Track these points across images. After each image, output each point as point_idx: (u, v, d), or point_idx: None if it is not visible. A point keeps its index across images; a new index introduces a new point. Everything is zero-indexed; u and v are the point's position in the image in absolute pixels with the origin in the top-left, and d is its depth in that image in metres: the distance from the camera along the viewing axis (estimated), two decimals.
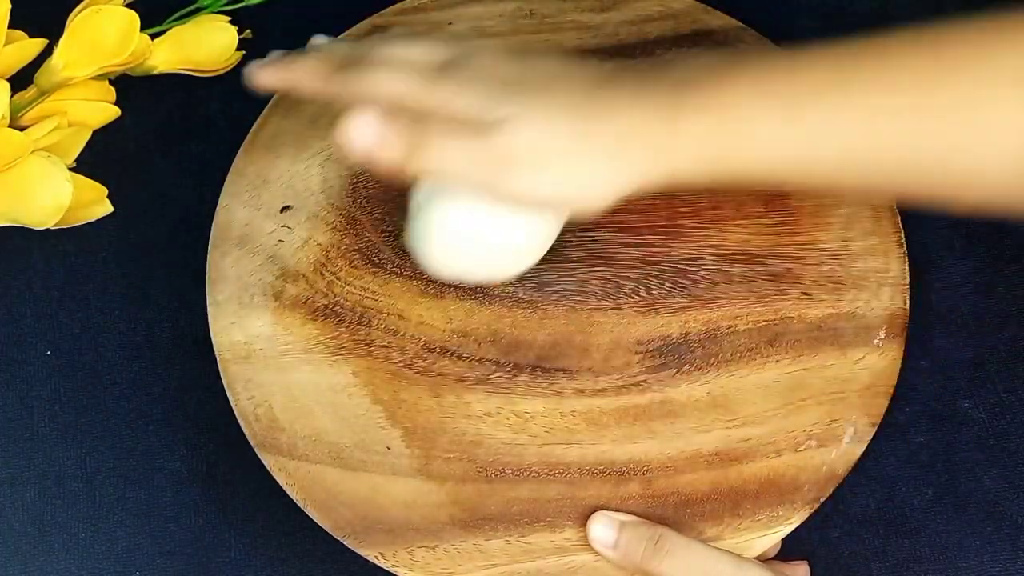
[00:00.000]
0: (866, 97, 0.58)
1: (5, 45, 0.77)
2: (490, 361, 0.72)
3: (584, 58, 0.64)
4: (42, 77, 0.77)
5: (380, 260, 0.74)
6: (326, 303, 0.73)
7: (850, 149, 0.58)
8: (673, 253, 0.74)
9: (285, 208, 0.75)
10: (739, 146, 0.60)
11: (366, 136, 0.61)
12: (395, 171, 0.62)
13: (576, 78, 0.62)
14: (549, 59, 0.64)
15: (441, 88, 0.61)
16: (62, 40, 0.77)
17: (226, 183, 0.76)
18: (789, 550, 0.71)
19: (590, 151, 0.60)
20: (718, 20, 0.80)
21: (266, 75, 0.66)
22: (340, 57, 0.65)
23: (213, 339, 0.72)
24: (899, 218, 0.74)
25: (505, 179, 0.61)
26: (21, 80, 0.78)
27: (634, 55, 0.79)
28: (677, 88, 0.60)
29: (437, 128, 0.61)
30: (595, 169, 0.61)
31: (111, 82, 0.80)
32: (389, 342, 0.72)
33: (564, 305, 0.73)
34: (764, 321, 0.72)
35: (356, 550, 0.68)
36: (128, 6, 0.78)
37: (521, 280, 0.73)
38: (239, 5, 0.82)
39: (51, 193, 0.75)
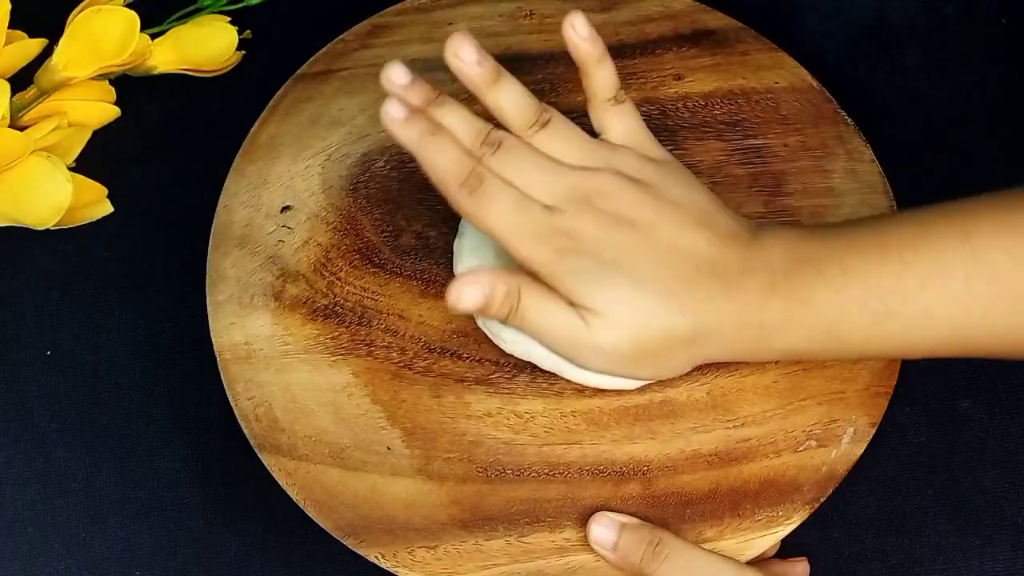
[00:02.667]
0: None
1: (5, 45, 0.77)
2: (490, 361, 0.72)
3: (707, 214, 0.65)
4: (42, 77, 0.77)
5: (380, 260, 0.74)
6: (326, 303, 0.73)
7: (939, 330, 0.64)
8: None
9: (285, 208, 0.75)
10: (827, 348, 0.64)
11: (475, 296, 0.63)
12: (500, 318, 0.64)
13: (675, 263, 0.63)
14: (663, 229, 0.64)
15: (544, 245, 0.63)
16: (62, 40, 0.77)
17: (226, 183, 0.76)
18: (789, 550, 0.71)
19: (669, 357, 0.64)
20: (718, 20, 0.80)
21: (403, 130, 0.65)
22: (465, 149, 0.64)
23: (213, 339, 0.72)
24: None
25: (587, 360, 0.64)
26: (21, 80, 0.78)
27: (634, 55, 0.79)
28: (767, 288, 0.63)
29: (535, 294, 0.63)
30: (671, 366, 0.65)
31: (111, 82, 0.80)
32: (389, 342, 0.72)
33: None
34: None
35: (356, 550, 0.68)
36: (128, 6, 0.78)
37: None
38: (239, 5, 0.82)
39: (51, 193, 0.75)
